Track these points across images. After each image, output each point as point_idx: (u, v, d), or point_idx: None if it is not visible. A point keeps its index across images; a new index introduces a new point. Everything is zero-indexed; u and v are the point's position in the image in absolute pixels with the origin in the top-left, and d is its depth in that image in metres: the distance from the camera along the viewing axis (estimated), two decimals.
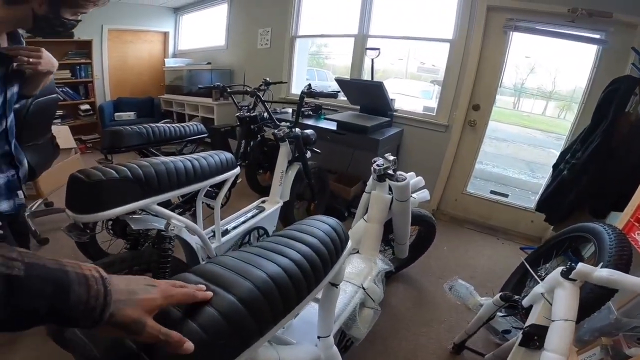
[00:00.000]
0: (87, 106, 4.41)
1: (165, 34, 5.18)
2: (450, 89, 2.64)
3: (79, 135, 4.28)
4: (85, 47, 4.28)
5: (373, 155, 2.38)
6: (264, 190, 2.98)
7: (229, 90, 2.46)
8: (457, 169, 2.77)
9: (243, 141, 2.58)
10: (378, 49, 2.58)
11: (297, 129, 1.98)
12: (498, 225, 2.73)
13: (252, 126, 2.61)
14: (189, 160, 1.29)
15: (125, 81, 4.81)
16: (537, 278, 1.33)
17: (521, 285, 1.75)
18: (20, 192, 1.22)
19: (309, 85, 1.86)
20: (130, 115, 4.37)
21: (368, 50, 2.65)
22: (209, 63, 4.38)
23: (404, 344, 1.59)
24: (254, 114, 2.55)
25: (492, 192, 2.77)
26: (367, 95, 2.64)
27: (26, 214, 2.27)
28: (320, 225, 0.90)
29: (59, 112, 4.15)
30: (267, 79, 2.57)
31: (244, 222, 1.73)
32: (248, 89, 2.47)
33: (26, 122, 1.83)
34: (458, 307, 1.85)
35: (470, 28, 2.47)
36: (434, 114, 2.81)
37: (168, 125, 1.88)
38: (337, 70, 5.66)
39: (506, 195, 2.72)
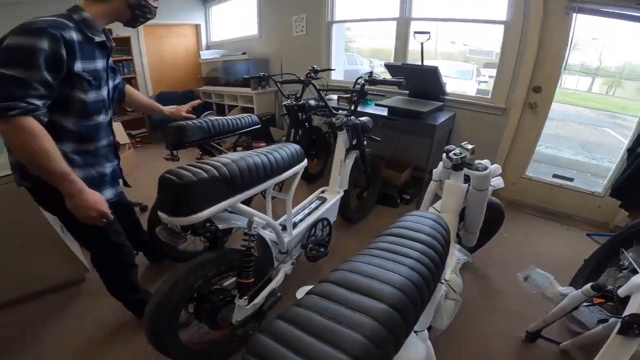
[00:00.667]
0: None
1: (197, 27, 5.19)
2: (507, 71, 2.48)
3: (128, 131, 4.39)
4: (124, 44, 4.37)
5: (428, 141, 2.34)
6: (312, 178, 2.99)
7: (280, 79, 2.43)
8: (515, 152, 2.63)
9: (292, 130, 2.56)
10: (428, 32, 2.44)
11: (362, 118, 1.94)
12: (560, 210, 2.59)
13: (299, 114, 2.58)
14: (263, 154, 1.28)
15: (164, 75, 4.91)
16: (636, 267, 1.25)
17: (597, 274, 1.66)
18: (120, 181, 1.34)
19: (371, 72, 1.79)
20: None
21: (417, 34, 2.51)
22: (244, 53, 4.36)
23: (472, 333, 1.57)
24: (301, 102, 2.52)
25: (555, 175, 2.61)
26: (419, 80, 2.53)
27: None
28: (425, 221, 0.88)
29: None
30: (315, 66, 2.51)
31: (309, 214, 1.73)
32: (298, 78, 2.44)
33: None
34: (528, 295, 1.77)
35: (527, 10, 2.29)
36: (489, 97, 2.66)
37: (225, 118, 1.89)
38: (363, 52, 5.51)
39: (571, 179, 2.56)
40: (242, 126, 1.95)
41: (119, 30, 4.31)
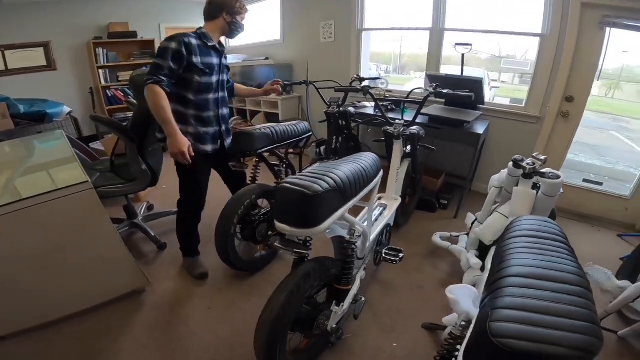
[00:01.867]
0: None
1: None
2: (542, 81, 2.61)
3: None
4: (147, 47, 4.37)
5: (470, 149, 2.46)
6: None
7: (309, 86, 2.47)
8: (549, 155, 2.74)
9: (334, 137, 2.62)
10: (470, 44, 2.55)
11: (413, 127, 2.02)
12: (589, 213, 2.73)
13: (340, 122, 2.65)
14: (354, 163, 1.33)
15: None
16: None
17: (637, 271, 1.77)
18: (219, 141, 1.78)
19: (437, 84, 1.87)
20: None
21: (458, 46, 2.62)
22: (267, 58, 4.40)
23: None
24: (343, 109, 2.59)
25: (585, 180, 2.75)
26: (459, 89, 2.63)
27: (140, 217, 2.38)
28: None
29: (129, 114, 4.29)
30: (359, 74, 2.58)
31: (377, 221, 1.80)
32: (351, 85, 2.49)
33: (149, 125, 1.93)
34: None
35: (563, 25, 2.43)
36: (523, 106, 2.79)
37: (283, 125, 1.95)
38: (381, 58, 5.62)
39: (600, 184, 2.70)
40: (298, 133, 2.03)
41: (143, 32, 4.32)
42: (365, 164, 1.36)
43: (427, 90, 1.87)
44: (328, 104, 2.65)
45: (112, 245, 1.59)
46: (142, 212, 2.53)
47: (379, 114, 2.28)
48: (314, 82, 2.71)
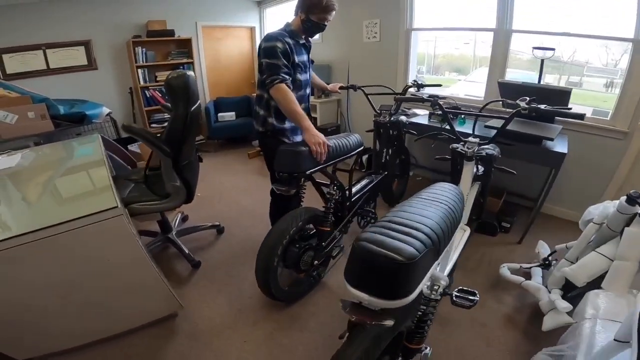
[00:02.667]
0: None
1: (252, 29, 5.05)
2: (634, 92, 2.20)
3: None
4: (185, 46, 4.27)
5: (546, 169, 2.10)
6: (395, 202, 2.78)
7: (398, 95, 2.22)
8: (634, 178, 2.34)
9: (384, 149, 2.36)
10: (552, 49, 2.18)
11: (490, 146, 1.71)
12: None
13: (391, 132, 2.38)
14: (437, 203, 1.06)
15: (220, 80, 4.80)
16: None
17: None
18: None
19: (534, 98, 1.54)
20: (231, 115, 4.32)
21: (536, 50, 2.25)
22: None
23: None
24: (395, 119, 2.31)
25: None
26: (537, 100, 2.27)
27: (173, 232, 2.24)
28: None
29: (167, 115, 4.21)
30: (417, 80, 2.29)
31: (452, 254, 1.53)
32: (414, 95, 2.22)
33: (184, 137, 1.75)
34: None
35: None
36: (609, 119, 2.38)
37: (334, 139, 1.70)
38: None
39: None
40: (350, 148, 1.77)
41: (180, 31, 4.22)
42: (451, 202, 1.10)
43: (516, 104, 1.54)
44: (378, 111, 2.39)
45: (143, 270, 1.45)
46: (176, 225, 2.40)
47: (444, 128, 1.99)
48: (363, 86, 2.45)
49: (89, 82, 3.94)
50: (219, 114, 4.33)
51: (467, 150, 1.70)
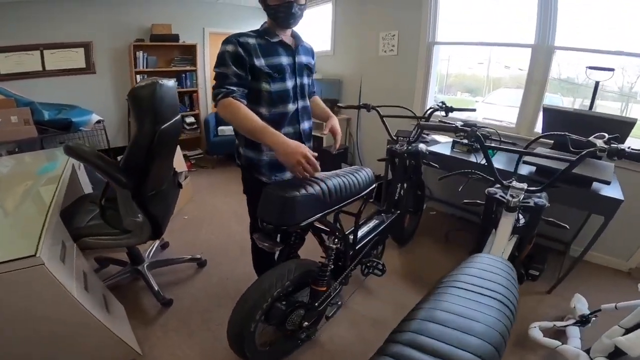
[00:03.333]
0: (192, 119, 4.10)
1: None
2: None
3: (184, 152, 3.96)
4: (189, 53, 4.02)
5: (594, 216, 1.68)
6: (404, 240, 2.39)
7: (421, 120, 1.85)
8: None
9: (399, 184, 1.97)
10: (612, 69, 1.79)
11: (542, 196, 1.32)
12: None
13: (408, 162, 2.01)
14: (478, 291, 0.72)
15: None
16: None
17: None
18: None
19: (615, 136, 1.12)
20: (232, 129, 4.00)
21: (591, 70, 1.86)
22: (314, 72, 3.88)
23: None
24: (414, 148, 1.94)
25: None
26: (588, 131, 1.87)
27: (145, 264, 1.90)
28: None
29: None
30: (444, 102, 1.93)
31: None
32: (446, 123, 1.81)
33: (148, 164, 1.41)
34: None
35: None
36: None
37: (340, 177, 1.29)
38: None
39: None
40: (359, 188, 1.36)
41: (186, 36, 3.99)
42: (508, 295, 0.77)
43: (590, 142, 1.13)
44: (394, 138, 2.02)
45: (77, 319, 1.17)
46: (150, 255, 2.06)
47: (478, 164, 1.59)
48: (378, 106, 2.09)
49: (84, 86, 3.70)
50: (219, 128, 4.02)
51: (510, 198, 1.32)
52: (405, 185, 2.04)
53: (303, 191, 1.08)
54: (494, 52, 3.50)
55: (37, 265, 1.00)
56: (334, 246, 1.30)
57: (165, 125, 1.43)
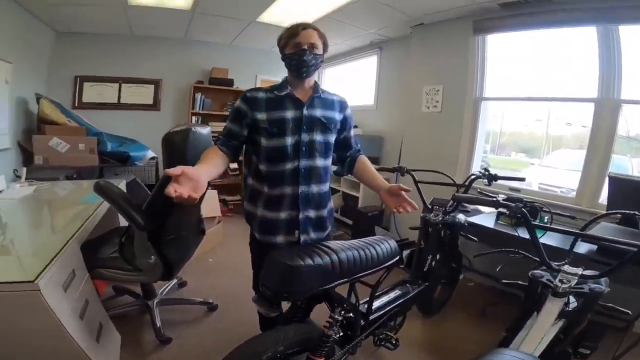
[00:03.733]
0: (235, 165, 4.23)
1: None
2: None
3: (223, 196, 4.11)
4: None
5: None
6: (432, 311, 2.11)
7: (460, 189, 1.76)
8: None
9: (430, 255, 1.78)
10: None
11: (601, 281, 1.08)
12: None
13: (443, 232, 1.83)
14: None
15: None
16: None
17: None
18: (297, 232, 1.30)
19: None
20: None
21: None
22: (355, 126, 3.88)
23: None
24: (451, 219, 1.76)
25: None
26: None
27: (156, 299, 1.88)
28: None
29: None
30: (487, 169, 1.77)
31: None
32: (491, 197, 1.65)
33: (170, 209, 1.43)
34: None
35: None
36: None
37: (355, 246, 1.17)
38: None
39: None
40: (378, 260, 1.21)
41: (240, 82, 4.32)
42: None
43: None
44: (429, 206, 1.87)
45: (62, 346, 1.15)
46: (165, 292, 2.05)
47: (519, 243, 1.37)
48: (413, 170, 1.98)
49: (147, 122, 4.08)
50: None
51: (559, 284, 1.11)
52: (437, 256, 1.84)
53: (309, 261, 1.00)
54: (553, 108, 3.26)
55: (32, 291, 1.02)
56: (339, 318, 1.14)
57: None
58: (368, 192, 3.51)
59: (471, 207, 2.23)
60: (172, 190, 0.85)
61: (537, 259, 1.19)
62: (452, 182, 2.01)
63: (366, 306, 1.35)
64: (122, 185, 2.42)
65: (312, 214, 1.31)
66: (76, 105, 3.79)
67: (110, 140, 3.42)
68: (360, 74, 4.29)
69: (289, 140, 1.24)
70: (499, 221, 1.98)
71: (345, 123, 1.39)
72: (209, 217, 2.98)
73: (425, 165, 2.13)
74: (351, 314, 1.23)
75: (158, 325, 1.74)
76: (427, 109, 3.15)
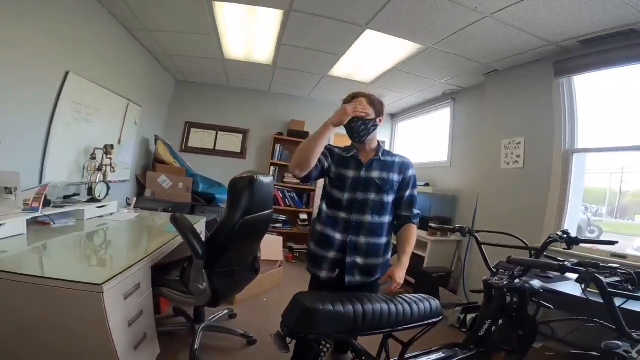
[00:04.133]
0: (305, 216, 4.44)
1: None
2: None
3: (290, 243, 4.28)
4: None
5: None
6: None
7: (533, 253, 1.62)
8: None
9: (488, 321, 1.51)
10: None
11: None
12: None
13: (509, 298, 1.55)
14: None
15: None
16: None
17: None
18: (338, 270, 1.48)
19: None
20: None
21: None
22: (427, 184, 3.72)
23: None
24: (521, 284, 1.49)
25: None
26: None
27: (203, 324, 1.99)
28: None
29: (281, 217, 4.38)
30: (567, 232, 1.51)
31: None
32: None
33: (226, 244, 1.60)
34: None
35: None
36: None
37: (394, 301, 1.11)
38: (588, 196, 3.90)
39: None
40: (415, 317, 1.13)
41: None
42: None
43: None
44: (493, 269, 1.65)
45: (101, 342, 1.27)
46: (214, 319, 2.18)
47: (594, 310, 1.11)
48: (477, 231, 1.80)
49: (234, 169, 4.46)
50: None
51: (636, 356, 1.02)
52: (499, 322, 1.56)
53: (329, 307, 1.00)
54: None
55: (96, 293, 1.20)
56: None
57: (250, 216, 1.64)
58: (435, 252, 3.24)
59: (554, 274, 1.88)
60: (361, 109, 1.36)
61: (614, 327, 0.98)
62: (524, 244, 1.75)
63: None
64: (202, 222, 2.75)
65: (359, 260, 1.46)
66: (183, 148, 4.51)
67: (202, 182, 3.98)
68: (433, 127, 4.20)
69: (346, 196, 1.46)
70: (589, 289, 1.61)
71: (402, 184, 1.50)
72: (271, 260, 3.09)
73: (505, 226, 1.89)
74: None
75: (195, 347, 1.82)
76: (507, 165, 2.86)
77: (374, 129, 1.46)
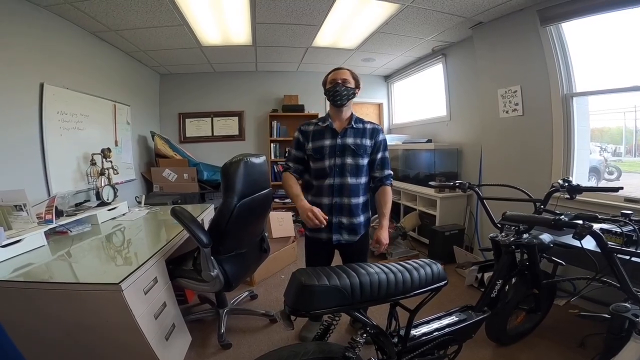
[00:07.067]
0: None
1: (380, 106, 5.00)
2: None
3: None
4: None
5: None
6: (512, 341, 1.82)
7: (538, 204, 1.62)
8: None
9: (499, 280, 1.55)
10: None
11: None
12: None
13: (519, 255, 1.59)
14: None
15: None
16: None
17: None
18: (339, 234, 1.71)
19: None
20: None
21: None
22: (429, 140, 3.68)
23: None
24: (527, 239, 1.51)
25: None
26: None
27: (226, 308, 2.11)
28: None
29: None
30: (568, 180, 1.51)
31: None
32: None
33: (227, 230, 1.65)
34: None
35: None
36: None
37: (394, 268, 1.13)
38: (605, 136, 3.76)
39: None
40: (418, 284, 1.13)
41: (310, 107, 4.54)
42: None
43: None
44: (498, 225, 1.66)
45: (133, 338, 1.38)
46: (236, 302, 2.30)
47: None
48: (478, 185, 1.81)
49: (235, 151, 4.44)
50: None
51: None
52: (512, 281, 1.61)
53: (324, 281, 1.01)
54: None
55: (116, 291, 1.28)
56: (361, 340, 1.10)
57: (246, 199, 1.67)
58: (446, 209, 3.25)
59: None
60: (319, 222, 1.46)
61: (619, 287, 0.97)
62: (528, 196, 1.75)
63: (401, 332, 1.26)
64: (210, 208, 2.83)
65: (344, 220, 1.67)
66: (182, 140, 4.54)
67: (206, 170, 4.02)
68: (428, 84, 4.10)
69: (327, 163, 1.65)
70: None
71: (374, 147, 1.68)
72: (284, 237, 3.19)
73: (512, 176, 1.89)
74: (380, 338, 1.18)
75: (222, 331, 1.94)
76: (506, 114, 2.80)
77: (353, 96, 1.66)
